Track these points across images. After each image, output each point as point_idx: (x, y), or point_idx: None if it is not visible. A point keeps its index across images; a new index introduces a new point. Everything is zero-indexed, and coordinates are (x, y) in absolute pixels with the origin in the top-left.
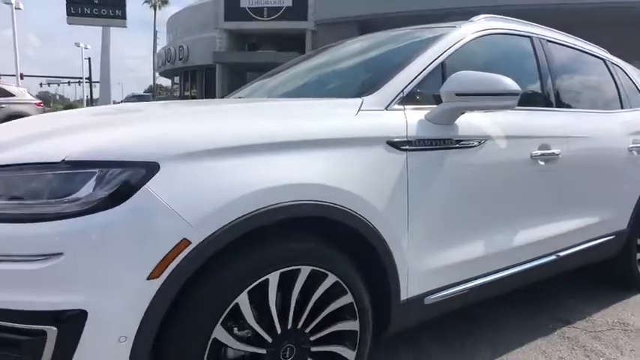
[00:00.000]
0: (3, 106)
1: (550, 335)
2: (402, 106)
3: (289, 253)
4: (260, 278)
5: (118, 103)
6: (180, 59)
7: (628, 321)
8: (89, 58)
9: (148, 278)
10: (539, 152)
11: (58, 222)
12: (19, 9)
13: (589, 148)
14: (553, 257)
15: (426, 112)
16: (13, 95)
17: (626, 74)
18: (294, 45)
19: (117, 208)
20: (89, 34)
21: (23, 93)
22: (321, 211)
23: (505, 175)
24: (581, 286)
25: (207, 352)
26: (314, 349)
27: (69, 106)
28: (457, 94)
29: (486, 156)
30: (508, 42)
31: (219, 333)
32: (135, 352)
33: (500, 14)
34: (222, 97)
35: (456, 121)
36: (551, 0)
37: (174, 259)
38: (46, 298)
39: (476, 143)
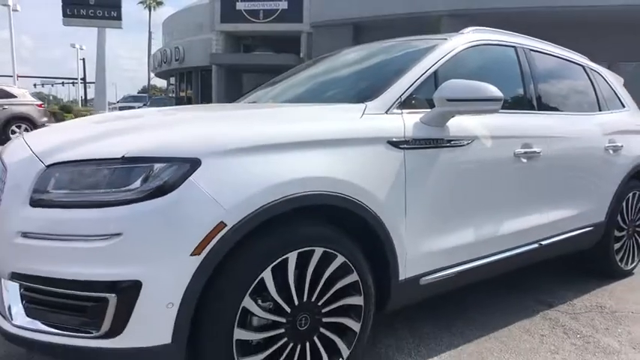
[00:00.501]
0: (5, 107)
1: (533, 317)
2: (400, 110)
3: (306, 236)
4: (281, 257)
5: (114, 103)
6: (176, 60)
7: (604, 304)
8: (83, 59)
9: (191, 255)
10: (522, 151)
11: (118, 208)
12: (17, 11)
13: (568, 148)
14: (535, 245)
15: (421, 115)
16: (15, 97)
17: (605, 80)
18: (289, 46)
19: (166, 196)
20: (83, 34)
21: (25, 94)
22: (333, 200)
23: (491, 171)
24: (564, 274)
25: (237, 319)
26: (325, 319)
27: (64, 106)
28: (448, 100)
29: (474, 154)
30: (494, 52)
31: (248, 303)
32: (179, 317)
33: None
34: (231, 99)
35: (448, 123)
36: (537, 3)
37: (212, 238)
38: (108, 271)
39: (465, 143)
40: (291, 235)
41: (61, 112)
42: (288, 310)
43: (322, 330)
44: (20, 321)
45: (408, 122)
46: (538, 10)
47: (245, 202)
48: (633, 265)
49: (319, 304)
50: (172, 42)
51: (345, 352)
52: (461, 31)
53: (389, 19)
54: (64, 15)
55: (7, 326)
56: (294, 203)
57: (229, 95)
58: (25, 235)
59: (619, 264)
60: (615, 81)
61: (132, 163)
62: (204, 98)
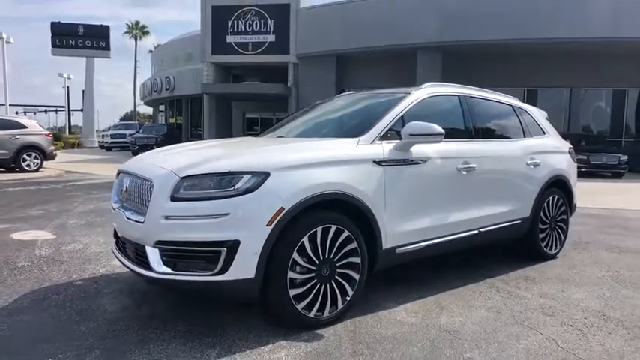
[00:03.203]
0: (18, 137)
1: (478, 282)
2: (380, 142)
3: (326, 218)
4: (312, 229)
5: (105, 130)
6: (166, 89)
7: (529, 275)
8: (67, 87)
9: (267, 225)
10: (462, 166)
11: (227, 199)
12: (10, 43)
13: (496, 164)
14: (475, 231)
15: (394, 144)
16: (26, 127)
17: (529, 114)
18: (276, 76)
19: (252, 193)
20: (64, 61)
21: (35, 125)
22: (342, 197)
23: (441, 180)
24: (506, 258)
25: (289, 264)
26: (338, 270)
27: (54, 135)
28: (410, 135)
29: (429, 169)
30: (444, 100)
31: (295, 255)
32: (260, 261)
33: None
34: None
35: (411, 149)
36: (499, 36)
37: (277, 216)
38: (221, 234)
39: (422, 161)
40: (318, 217)
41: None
42: (317, 262)
43: (337, 277)
44: (159, 269)
45: (385, 149)
46: (501, 42)
47: (293, 196)
48: (556, 250)
49: (334, 260)
50: (162, 71)
51: (350, 292)
52: (420, 86)
53: (370, 51)
54: (53, 45)
55: (150, 274)
56: (319, 198)
57: (220, 121)
58: (167, 217)
59: (545, 249)
60: (539, 115)
61: (234, 175)
62: (194, 124)
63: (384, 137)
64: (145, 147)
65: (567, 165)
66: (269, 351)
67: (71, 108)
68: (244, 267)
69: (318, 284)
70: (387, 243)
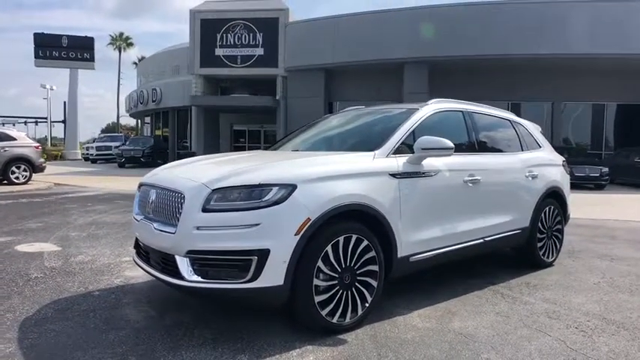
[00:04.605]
0: (7, 149)
1: (483, 289)
2: (394, 155)
3: (348, 228)
4: (335, 239)
5: (89, 142)
6: (153, 101)
7: (530, 282)
8: (48, 98)
9: (295, 235)
10: (468, 178)
11: (257, 210)
12: None
13: (499, 176)
14: (481, 240)
15: (407, 157)
16: (15, 139)
17: (525, 129)
18: (265, 89)
19: (282, 204)
20: (43, 72)
21: (24, 137)
22: (361, 207)
23: (450, 191)
24: (506, 266)
25: (315, 272)
26: (358, 278)
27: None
28: (423, 149)
29: (439, 181)
30: (449, 115)
31: (320, 264)
32: (288, 269)
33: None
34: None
35: (422, 162)
36: (479, 52)
37: (305, 226)
38: (252, 244)
39: (433, 174)
40: (340, 227)
41: None
42: (339, 269)
43: (357, 284)
44: (191, 278)
45: (399, 162)
46: (486, 57)
47: (319, 207)
48: (553, 258)
49: (355, 268)
50: (149, 83)
51: (369, 298)
52: (427, 102)
53: (358, 65)
54: (36, 56)
55: (181, 282)
56: (342, 209)
57: (208, 133)
58: (198, 228)
59: (542, 257)
60: (534, 129)
61: (264, 187)
62: (180, 136)
63: (397, 151)
64: (132, 159)
65: (561, 177)
66: (297, 356)
67: (53, 120)
68: (274, 275)
69: (341, 291)
70: (401, 252)
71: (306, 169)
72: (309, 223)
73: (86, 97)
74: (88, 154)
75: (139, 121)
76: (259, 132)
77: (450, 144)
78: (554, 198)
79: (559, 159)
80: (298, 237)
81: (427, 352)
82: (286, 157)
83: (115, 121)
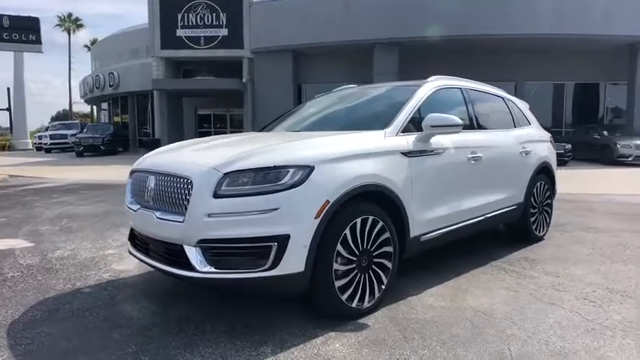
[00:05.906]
0: None
1: (484, 266)
2: (404, 134)
3: (364, 209)
4: (353, 221)
5: (38, 131)
6: (110, 86)
7: (528, 256)
8: (8, 88)
9: (315, 218)
10: (471, 155)
11: (275, 194)
12: None
13: (497, 152)
14: (483, 217)
15: (415, 135)
16: None
17: (516, 105)
18: (230, 71)
19: (300, 186)
20: None
21: None
22: (377, 187)
23: (456, 169)
24: (503, 243)
25: (334, 256)
26: (375, 260)
27: None
28: (432, 126)
29: (446, 158)
30: (449, 92)
31: (339, 247)
32: (309, 254)
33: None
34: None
35: (431, 140)
36: (448, 32)
37: (324, 209)
38: (271, 229)
39: (441, 151)
40: (358, 209)
41: None
42: (357, 252)
43: (373, 266)
44: (203, 269)
45: (409, 140)
46: (453, 38)
47: (337, 189)
48: (544, 232)
49: (371, 250)
50: (105, 67)
51: (385, 280)
52: (427, 79)
53: (326, 46)
54: None
55: (192, 274)
56: (359, 190)
57: (170, 119)
58: (210, 215)
59: (534, 232)
60: (523, 106)
61: (279, 169)
62: (141, 122)
63: (405, 130)
64: (91, 147)
65: (549, 152)
66: (322, 343)
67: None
68: (294, 261)
69: (359, 275)
70: (414, 231)
71: (322, 149)
72: (328, 206)
73: (31, 82)
74: (41, 143)
75: (95, 107)
76: (225, 116)
77: (459, 121)
78: (544, 173)
79: (547, 135)
80: (318, 220)
81: (452, 331)
82: (295, 137)
83: (67, 108)
